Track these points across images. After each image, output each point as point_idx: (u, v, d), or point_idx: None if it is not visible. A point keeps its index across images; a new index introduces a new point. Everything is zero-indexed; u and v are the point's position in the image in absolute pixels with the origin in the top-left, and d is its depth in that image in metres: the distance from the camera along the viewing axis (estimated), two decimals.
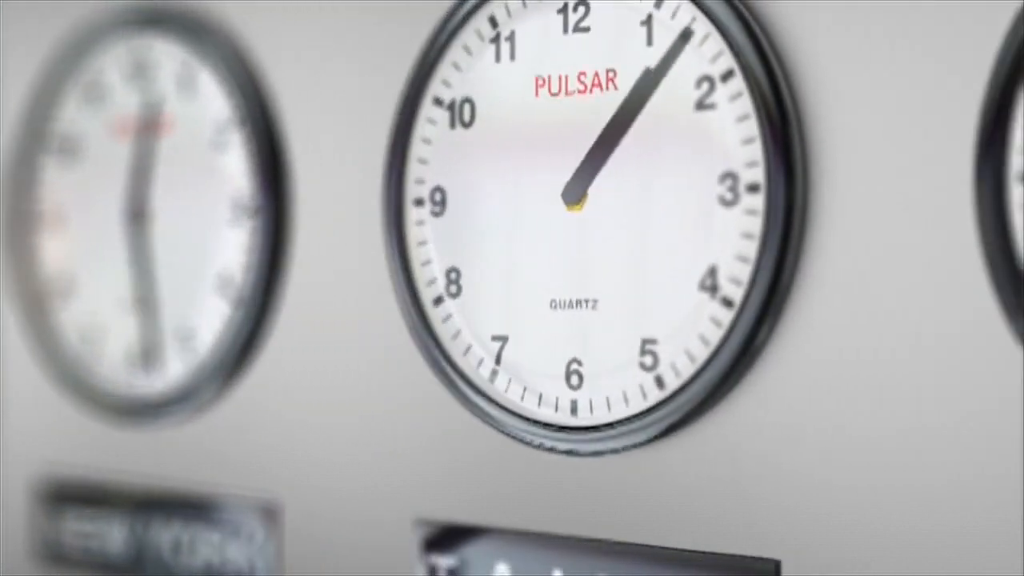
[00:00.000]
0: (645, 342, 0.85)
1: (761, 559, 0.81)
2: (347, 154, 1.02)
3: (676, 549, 0.85)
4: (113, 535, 1.16)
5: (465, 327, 0.94)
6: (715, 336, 0.82)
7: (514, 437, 0.91)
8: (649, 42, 0.85)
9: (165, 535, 1.12)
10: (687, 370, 0.83)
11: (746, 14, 0.81)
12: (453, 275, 0.94)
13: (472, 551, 0.94)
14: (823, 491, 0.80)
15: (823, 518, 0.80)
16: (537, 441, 0.90)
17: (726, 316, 0.82)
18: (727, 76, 0.82)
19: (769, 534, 0.82)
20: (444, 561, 0.95)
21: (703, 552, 0.83)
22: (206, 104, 1.10)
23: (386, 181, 0.97)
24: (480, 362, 0.93)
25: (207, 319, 1.09)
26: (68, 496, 1.21)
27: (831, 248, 0.80)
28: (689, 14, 0.84)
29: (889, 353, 0.77)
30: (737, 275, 0.82)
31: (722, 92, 0.82)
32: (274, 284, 1.06)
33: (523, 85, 0.91)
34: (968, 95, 0.75)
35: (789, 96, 0.80)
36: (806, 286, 0.80)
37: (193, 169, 1.11)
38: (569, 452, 0.88)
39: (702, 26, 0.83)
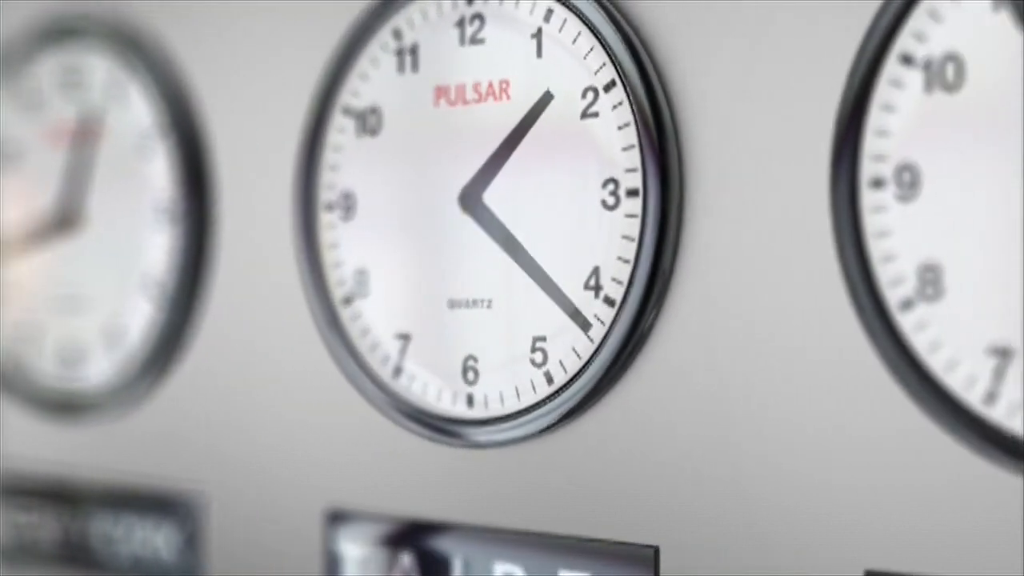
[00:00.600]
0: (535, 340, 0.90)
1: (641, 545, 0.86)
2: (268, 160, 1.06)
3: (564, 536, 0.89)
4: (47, 528, 1.20)
5: (372, 326, 0.98)
6: (599, 333, 0.87)
7: (415, 431, 0.95)
8: (539, 54, 0.90)
9: (98, 527, 1.16)
10: (573, 366, 0.88)
11: (626, 28, 0.86)
12: (362, 276, 0.99)
13: (379, 540, 0.98)
14: (701, 479, 0.84)
15: (702, 505, 0.84)
16: (435, 434, 0.94)
17: (608, 314, 0.86)
18: (609, 87, 0.86)
19: (650, 521, 0.86)
20: (352, 549, 1.00)
21: (588, 539, 0.88)
22: (133, 112, 1.14)
23: (297, 187, 1.02)
24: (386, 359, 0.97)
25: (135, 319, 1.14)
26: (2, 490, 1.25)
27: (705, 249, 0.84)
28: (575, 28, 0.88)
29: (759, 344, 0.82)
30: (618, 275, 0.86)
31: (605, 102, 0.87)
32: (198, 286, 1.10)
33: (424, 95, 0.95)
34: (826, 105, 0.79)
35: (666, 105, 0.85)
36: (682, 285, 0.85)
37: (122, 174, 1.15)
38: (465, 444, 0.93)
39: (586, 39, 0.87)
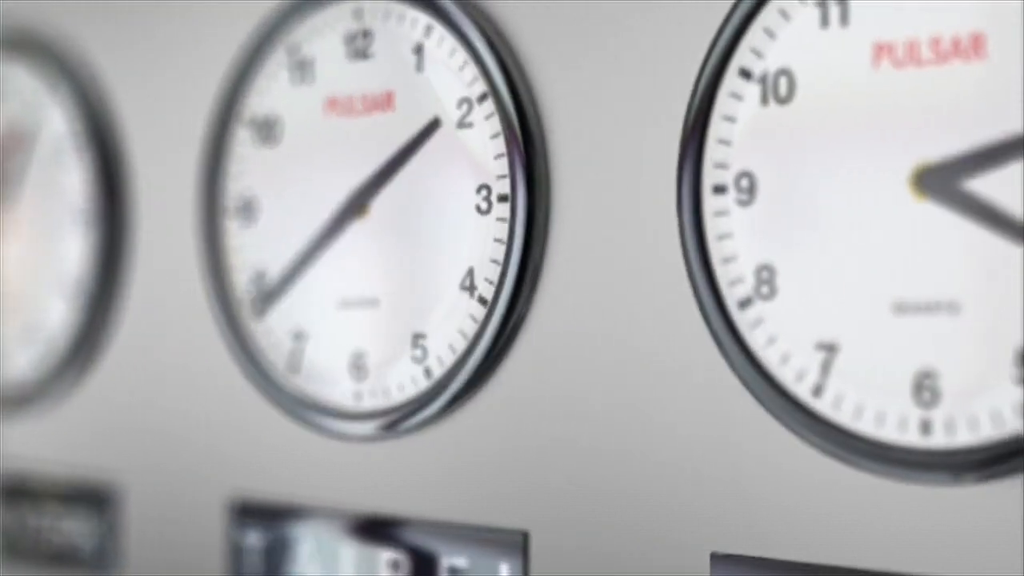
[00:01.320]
0: (416, 337, 0.95)
1: (510, 530, 0.91)
2: (177, 169, 1.11)
3: (442, 523, 0.94)
4: None
5: (273, 325, 1.03)
6: (471, 331, 0.92)
7: (311, 425, 1.00)
8: (419, 68, 0.95)
9: (19, 519, 1.21)
10: (449, 361, 0.93)
11: (498, 44, 0.91)
12: (261, 278, 1.04)
13: (280, 529, 1.04)
14: (567, 467, 0.89)
15: (568, 491, 0.89)
16: (329, 428, 0.99)
17: (481, 312, 0.92)
18: (482, 98, 0.92)
19: (520, 506, 0.91)
20: (254, 536, 1.05)
21: (463, 525, 0.93)
22: (53, 121, 1.19)
23: (201, 194, 1.07)
24: (283, 357, 1.02)
25: (55, 318, 1.19)
26: None
27: (569, 250, 0.89)
28: (451, 44, 0.93)
29: (614, 341, 0.87)
30: (490, 276, 0.91)
31: (478, 112, 0.92)
32: (114, 287, 1.15)
33: (318, 107, 1.00)
34: (675, 115, 0.85)
35: (534, 116, 0.90)
36: (549, 284, 0.90)
37: (43, 180, 1.21)
38: (353, 437, 0.98)
39: (461, 55, 0.93)
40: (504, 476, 0.92)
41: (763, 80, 0.81)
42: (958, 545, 0.75)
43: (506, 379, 0.92)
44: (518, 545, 0.90)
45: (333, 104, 1.00)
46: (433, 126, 0.94)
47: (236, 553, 1.06)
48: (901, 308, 0.76)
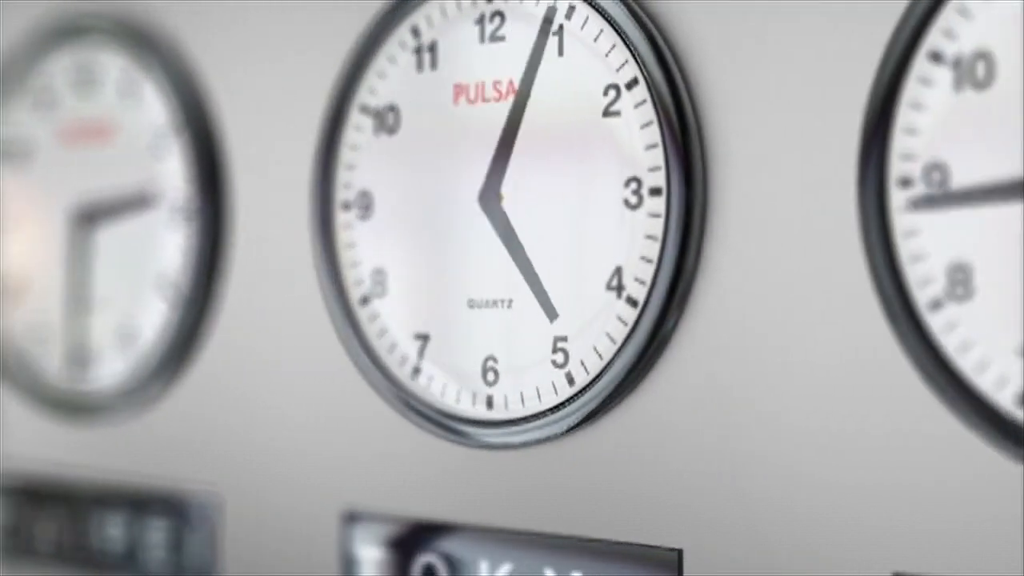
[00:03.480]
0: (124, 332, 1.12)
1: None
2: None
3: (153, 488, 1.10)
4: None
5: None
6: (164, 326, 1.09)
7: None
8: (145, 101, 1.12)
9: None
10: (153, 353, 1.10)
11: (192, 81, 1.08)
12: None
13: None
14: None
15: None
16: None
17: (164, 310, 1.09)
18: (177, 131, 1.08)
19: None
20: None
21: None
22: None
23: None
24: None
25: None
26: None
27: (247, 259, 1.06)
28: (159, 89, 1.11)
29: (276, 335, 1.03)
30: (180, 281, 1.08)
31: (172, 145, 1.09)
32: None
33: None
34: (307, 149, 1.00)
35: (222, 148, 1.07)
36: (231, 286, 1.06)
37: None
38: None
39: (158, 91, 1.10)
40: (203, 449, 1.07)
41: (378, 115, 0.95)
42: (527, 501, 0.89)
43: (205, 365, 1.07)
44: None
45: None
46: (143, 199, 1.11)
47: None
48: (473, 304, 0.90)
